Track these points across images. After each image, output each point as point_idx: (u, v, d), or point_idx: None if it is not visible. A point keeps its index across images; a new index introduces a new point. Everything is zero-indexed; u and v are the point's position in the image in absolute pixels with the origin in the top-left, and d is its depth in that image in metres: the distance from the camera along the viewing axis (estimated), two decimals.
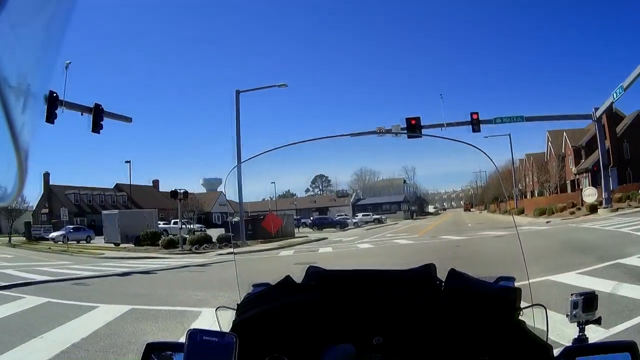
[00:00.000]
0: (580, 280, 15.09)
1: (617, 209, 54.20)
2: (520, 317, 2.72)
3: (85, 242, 71.94)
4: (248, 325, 2.96)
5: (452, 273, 2.92)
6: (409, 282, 2.97)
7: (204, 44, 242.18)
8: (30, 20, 1.40)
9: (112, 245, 61.84)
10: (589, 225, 40.40)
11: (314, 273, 3.22)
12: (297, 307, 2.99)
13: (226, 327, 3.07)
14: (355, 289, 2.99)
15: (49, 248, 62.13)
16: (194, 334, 2.54)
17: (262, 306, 3.04)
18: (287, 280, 3.15)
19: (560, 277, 15.34)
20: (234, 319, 3.10)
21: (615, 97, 50.40)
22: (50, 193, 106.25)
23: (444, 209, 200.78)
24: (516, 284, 3.11)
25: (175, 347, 2.81)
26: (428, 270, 3.00)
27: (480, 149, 3.53)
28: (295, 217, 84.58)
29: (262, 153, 3.65)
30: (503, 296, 2.76)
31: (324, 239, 58.10)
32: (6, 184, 1.37)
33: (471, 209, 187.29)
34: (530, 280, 3.32)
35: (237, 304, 3.20)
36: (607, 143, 69.50)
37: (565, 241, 29.37)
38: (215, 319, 3.24)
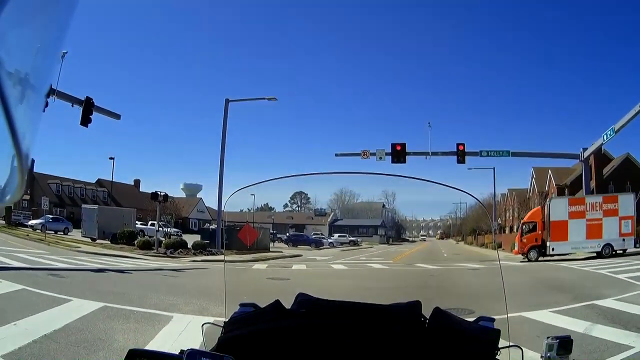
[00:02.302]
0: (553, 318, 15.04)
1: None
2: (497, 357, 2.80)
3: (62, 233, 70.84)
4: (235, 344, 2.95)
5: (437, 311, 2.99)
6: (397, 317, 3.01)
7: (197, 49, 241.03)
8: (34, 13, 1.43)
9: (89, 239, 61.84)
10: (566, 264, 40.59)
11: (303, 300, 3.25)
12: (286, 332, 2.99)
13: (211, 343, 3.10)
14: (345, 320, 3.01)
15: (27, 235, 61.70)
16: (193, 355, 2.56)
17: (251, 327, 3.05)
18: (277, 304, 3.18)
19: (533, 315, 15.26)
20: (219, 336, 3.09)
21: (605, 138, 50.20)
22: (33, 181, 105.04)
23: (424, 238, 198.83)
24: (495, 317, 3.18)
25: (158, 356, 2.81)
26: (414, 307, 3.05)
27: (467, 192, 3.59)
28: (271, 231, 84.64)
29: (256, 184, 3.81)
30: (484, 337, 2.85)
31: (298, 255, 58.17)
32: (6, 184, 1.41)
33: (444, 238, 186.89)
34: (504, 316, 3.35)
35: (224, 322, 3.21)
36: (593, 184, 69.53)
37: (541, 279, 29.41)
38: (201, 333, 3.39)
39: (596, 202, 49.96)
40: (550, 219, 50.82)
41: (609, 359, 10.28)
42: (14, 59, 1.31)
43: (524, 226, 53.83)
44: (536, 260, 48.89)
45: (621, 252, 46.67)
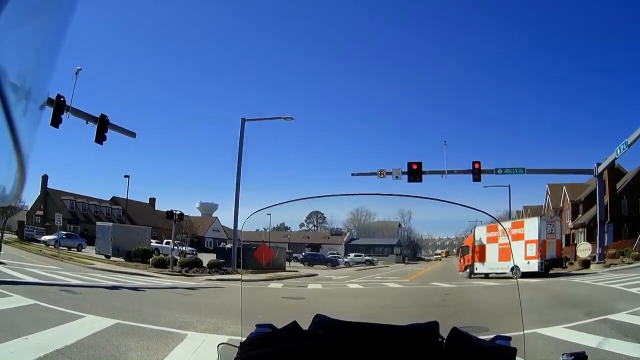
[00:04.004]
0: (567, 334, 14.88)
1: (609, 265, 54.39)
2: None
3: (76, 250, 71.50)
4: None
5: (454, 331, 2.97)
6: (414, 337, 3.00)
7: (214, 68, 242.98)
8: (31, 21, 1.45)
9: (103, 257, 62.09)
10: (580, 280, 40.41)
11: (321, 321, 3.22)
12: (303, 353, 2.97)
13: None
14: (362, 340, 2.98)
15: (40, 250, 62.63)
16: None
17: (268, 348, 3.03)
18: (294, 325, 3.16)
19: (547, 331, 15.05)
20: (235, 356, 3.11)
21: (618, 152, 50.71)
22: (47, 196, 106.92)
23: (439, 257, 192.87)
24: (511, 335, 3.18)
25: None
26: (431, 327, 3.04)
27: (480, 210, 3.64)
28: (287, 250, 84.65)
29: (274, 205, 3.91)
30: (500, 356, 2.85)
31: (314, 275, 58.31)
32: (6, 184, 1.43)
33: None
34: (518, 333, 3.39)
35: (241, 342, 3.21)
36: (606, 199, 69.53)
37: (554, 295, 29.20)
38: (217, 354, 3.38)
39: (506, 228, 54.14)
40: (475, 244, 56.88)
41: None
42: (12, 68, 1.34)
43: (461, 249, 64.71)
44: (469, 277, 54.61)
45: (531, 274, 47.87)
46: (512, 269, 48.29)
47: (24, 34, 1.46)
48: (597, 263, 56.09)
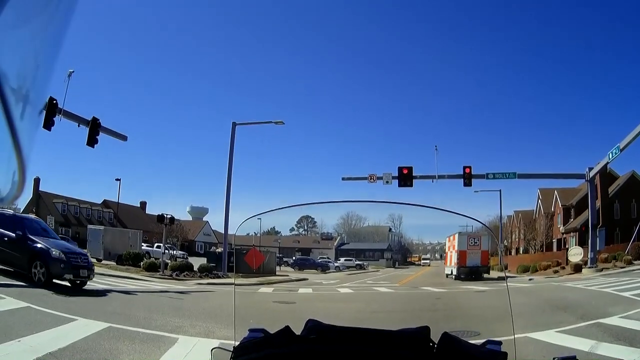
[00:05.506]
0: (559, 338, 14.88)
1: (602, 269, 54.39)
2: None
3: None
4: None
5: (445, 336, 3.00)
6: (405, 342, 3.03)
7: (205, 70, 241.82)
8: (31, 21, 1.46)
9: (95, 260, 61.05)
10: (572, 284, 40.21)
11: (313, 326, 3.28)
12: (296, 357, 3.01)
13: None
14: (353, 345, 3.01)
15: None
16: None
17: (261, 352, 3.05)
18: (287, 330, 3.17)
19: (539, 335, 15.02)
20: None
21: (610, 157, 50.61)
22: (39, 199, 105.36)
23: (428, 262, 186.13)
24: (502, 339, 3.24)
25: None
26: (423, 332, 3.08)
27: (470, 217, 3.68)
28: (277, 255, 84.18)
29: (267, 212, 3.99)
30: None
31: (304, 279, 58.14)
32: (6, 184, 1.43)
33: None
34: (509, 338, 3.46)
35: (234, 347, 3.23)
36: (598, 203, 69.62)
37: (546, 299, 29.13)
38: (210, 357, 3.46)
39: (452, 240, 64.38)
40: (445, 251, 73.99)
41: None
42: (11, 68, 1.34)
43: (443, 254, 77.90)
44: (446, 277, 63.59)
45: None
46: (451, 271, 62.18)
47: (23, 34, 1.47)
48: (589, 267, 56.18)
